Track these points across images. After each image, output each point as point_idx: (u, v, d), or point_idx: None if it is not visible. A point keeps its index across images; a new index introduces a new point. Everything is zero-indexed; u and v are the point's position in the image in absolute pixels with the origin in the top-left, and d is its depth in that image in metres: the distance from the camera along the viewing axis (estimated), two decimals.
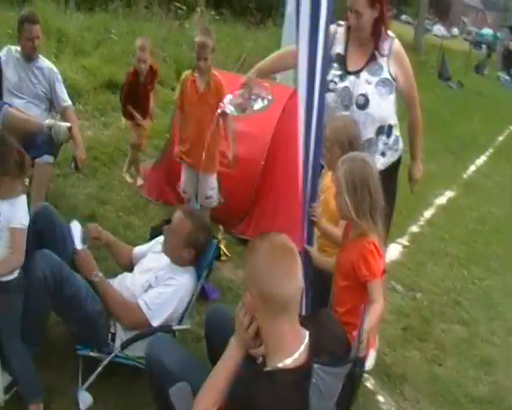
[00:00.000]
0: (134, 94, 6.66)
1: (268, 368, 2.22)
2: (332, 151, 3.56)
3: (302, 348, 2.24)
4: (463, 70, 28.15)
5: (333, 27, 3.92)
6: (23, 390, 3.29)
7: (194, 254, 3.77)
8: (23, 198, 3.25)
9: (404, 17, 57.53)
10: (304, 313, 3.33)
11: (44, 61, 5.62)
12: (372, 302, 2.95)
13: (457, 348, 5.04)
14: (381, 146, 4.01)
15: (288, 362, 2.19)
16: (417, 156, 4.37)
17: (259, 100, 4.41)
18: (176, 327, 3.64)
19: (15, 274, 3.21)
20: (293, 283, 2.24)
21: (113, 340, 3.59)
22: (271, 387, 2.15)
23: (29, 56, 5.44)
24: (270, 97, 4.39)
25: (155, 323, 3.54)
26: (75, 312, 3.47)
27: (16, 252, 3.16)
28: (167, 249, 3.80)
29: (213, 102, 5.01)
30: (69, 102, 5.73)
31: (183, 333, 4.10)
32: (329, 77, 3.88)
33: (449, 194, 9.55)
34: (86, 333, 3.56)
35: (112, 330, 3.59)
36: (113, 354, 3.43)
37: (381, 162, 4.01)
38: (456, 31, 65.91)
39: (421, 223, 7.95)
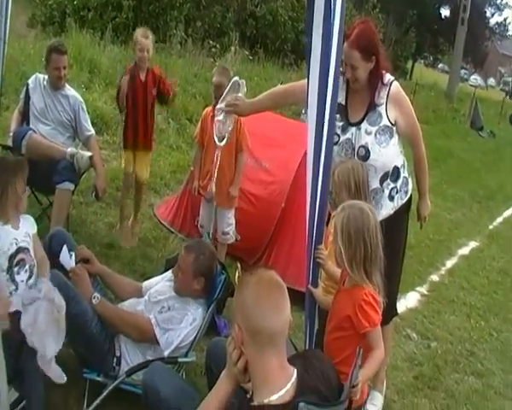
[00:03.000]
0: (132, 97, 5.77)
1: (254, 403, 2.24)
2: (340, 194, 3.61)
3: (289, 385, 2.24)
4: (497, 120, 28.01)
5: None
6: (30, 408, 3.33)
7: (204, 281, 3.82)
8: None
9: (441, 65, 57.68)
10: (307, 347, 3.37)
11: (70, 90, 5.72)
12: (373, 349, 2.99)
13: (469, 399, 4.95)
14: (387, 191, 3.99)
15: (274, 398, 2.20)
16: (425, 194, 4.35)
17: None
18: (181, 359, 3.67)
19: None
20: (280, 317, 2.26)
21: (119, 363, 3.67)
22: None
23: (55, 85, 5.54)
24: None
25: (166, 352, 3.61)
26: (80, 333, 3.54)
27: None
28: (179, 288, 3.85)
29: (232, 139, 5.11)
30: (92, 132, 5.82)
31: (193, 366, 4.15)
32: None
33: (473, 244, 9.43)
34: (92, 356, 3.65)
35: (117, 354, 3.68)
36: (118, 381, 3.47)
37: (390, 207, 4.02)
38: (492, 81, 65.72)
39: (442, 272, 7.84)
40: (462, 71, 45.79)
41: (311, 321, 3.46)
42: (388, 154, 3.91)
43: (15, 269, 3.32)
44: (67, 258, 3.80)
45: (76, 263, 3.85)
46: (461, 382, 5.20)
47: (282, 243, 5.85)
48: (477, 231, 10.26)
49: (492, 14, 51.10)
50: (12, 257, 3.30)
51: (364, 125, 3.89)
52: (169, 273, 4.07)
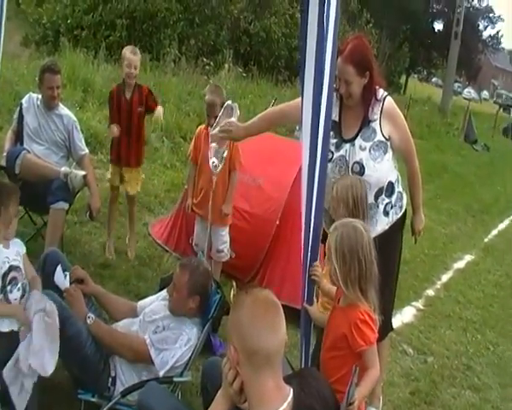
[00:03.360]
0: (117, 114, 5.91)
1: None
2: (338, 210, 3.60)
3: (285, 405, 2.23)
4: (491, 133, 28.08)
5: None
6: None
7: (200, 300, 3.79)
8: None
9: (434, 79, 57.95)
10: (303, 366, 3.35)
11: (64, 109, 5.71)
12: (369, 368, 2.97)
13: None
14: (381, 207, 3.98)
15: None
16: (418, 208, 4.34)
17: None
18: (176, 379, 3.64)
19: None
20: (276, 337, 2.24)
21: (114, 384, 3.64)
22: None
23: (49, 104, 5.53)
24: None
25: (161, 372, 3.58)
26: (75, 354, 3.52)
27: None
28: (174, 307, 3.81)
29: (226, 157, 5.10)
30: (86, 151, 5.81)
31: (188, 386, 4.12)
32: None
33: (468, 258, 9.43)
34: (86, 377, 3.62)
35: (112, 374, 3.65)
36: (112, 401, 3.46)
37: (385, 222, 4.02)
38: (486, 93, 66.05)
39: (438, 286, 7.84)
40: (456, 84, 46.03)
41: (307, 339, 3.45)
42: (383, 169, 3.91)
43: (8, 288, 3.31)
44: (62, 278, 3.79)
45: (70, 283, 3.83)
46: (458, 396, 5.17)
47: (277, 261, 5.82)
48: (472, 244, 10.27)
49: (485, 27, 51.52)
50: (5, 275, 3.29)
51: (358, 141, 3.88)
52: (164, 292, 4.04)
